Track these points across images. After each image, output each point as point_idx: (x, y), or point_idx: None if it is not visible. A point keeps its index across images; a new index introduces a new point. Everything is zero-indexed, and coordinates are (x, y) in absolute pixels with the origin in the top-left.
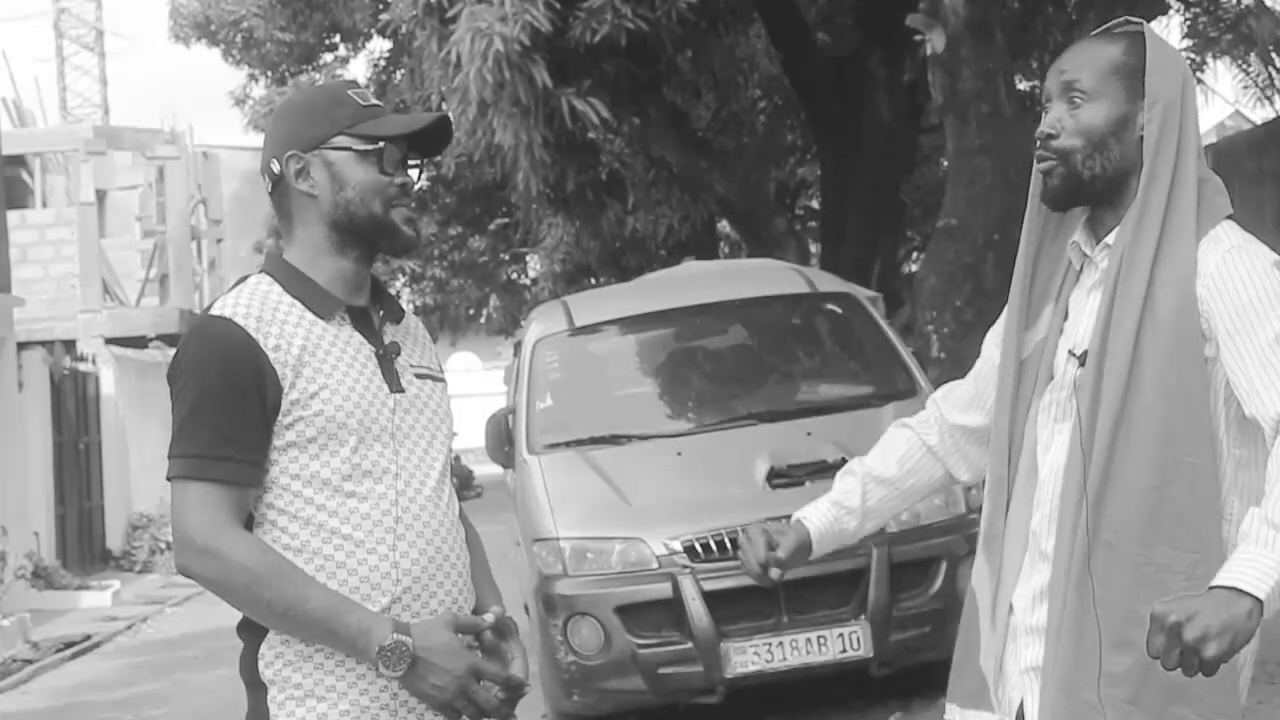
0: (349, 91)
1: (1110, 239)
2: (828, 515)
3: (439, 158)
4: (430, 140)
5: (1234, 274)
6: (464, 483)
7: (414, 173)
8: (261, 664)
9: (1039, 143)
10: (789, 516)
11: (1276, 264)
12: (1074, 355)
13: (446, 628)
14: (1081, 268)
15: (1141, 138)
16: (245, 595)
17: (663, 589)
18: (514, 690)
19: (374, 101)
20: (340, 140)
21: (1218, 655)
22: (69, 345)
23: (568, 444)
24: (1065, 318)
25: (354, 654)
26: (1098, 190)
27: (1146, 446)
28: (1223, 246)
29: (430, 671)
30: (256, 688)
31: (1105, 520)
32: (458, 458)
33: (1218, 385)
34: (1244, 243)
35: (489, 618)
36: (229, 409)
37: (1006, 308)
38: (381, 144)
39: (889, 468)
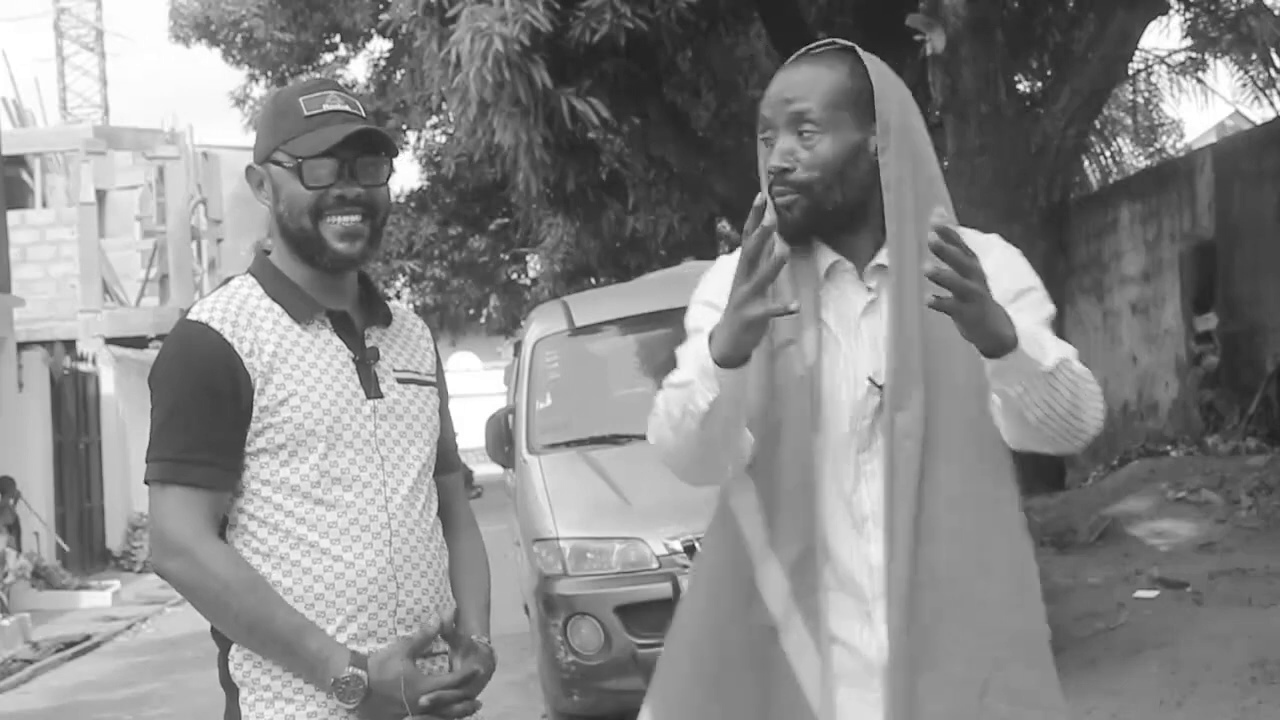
0: (300, 99)
1: (882, 258)
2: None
3: (439, 157)
4: (353, 143)
5: (1011, 266)
6: (464, 482)
7: (366, 177)
8: (231, 665)
9: (773, 176)
10: None
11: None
12: (875, 383)
13: (401, 657)
14: (825, 289)
15: (875, 162)
16: (214, 604)
17: (663, 589)
18: (469, 685)
19: (326, 108)
20: (276, 154)
21: (972, 290)
22: (69, 345)
23: (568, 444)
24: (821, 344)
25: (310, 679)
26: (839, 220)
27: (954, 486)
28: (987, 243)
29: (387, 703)
30: (230, 689)
31: (926, 557)
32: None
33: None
34: (1005, 245)
35: (431, 624)
36: (205, 413)
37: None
38: (299, 161)
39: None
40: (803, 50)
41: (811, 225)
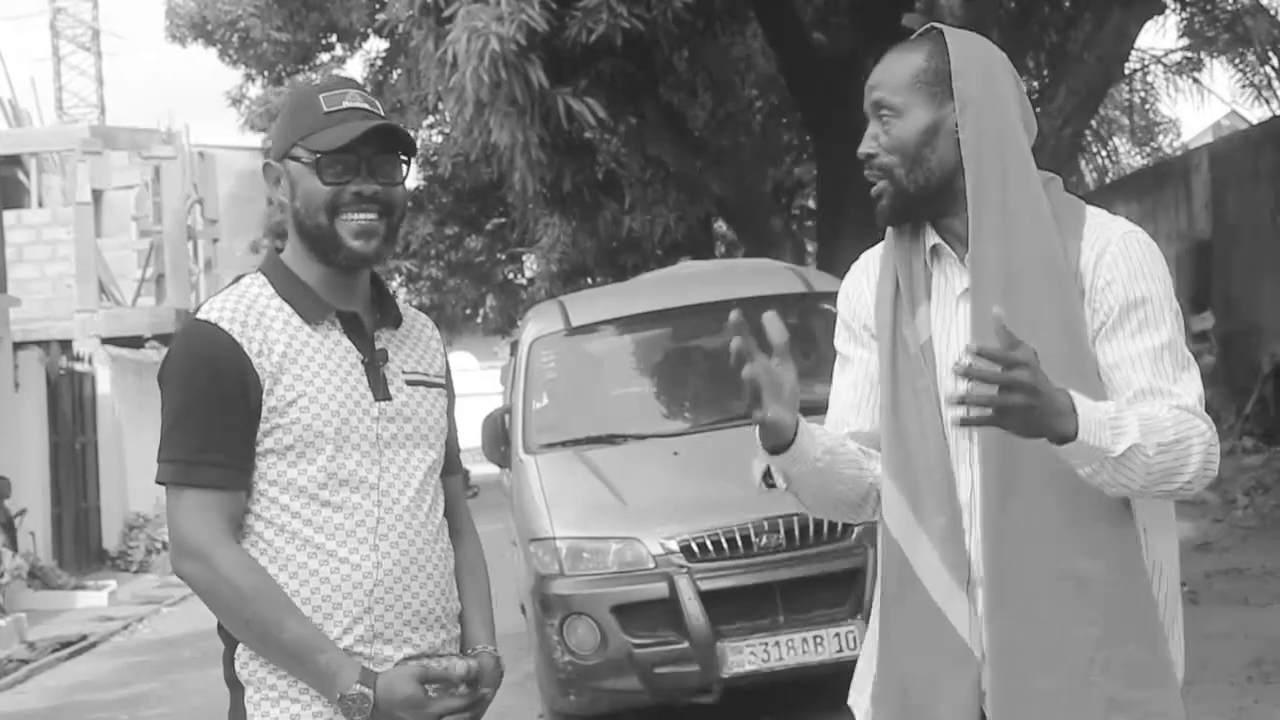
0: (320, 96)
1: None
2: (813, 436)
3: (435, 157)
4: (371, 139)
5: (1126, 264)
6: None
7: (382, 175)
8: (237, 664)
9: (865, 165)
10: (786, 516)
11: (1156, 258)
12: (958, 371)
13: (412, 681)
14: (931, 271)
15: (958, 140)
16: (227, 609)
17: (659, 589)
18: (477, 707)
19: (345, 105)
20: (295, 150)
21: (1010, 405)
22: (65, 345)
23: (564, 444)
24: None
25: (319, 691)
26: (929, 201)
27: (1044, 465)
28: (1111, 228)
29: None
30: (235, 687)
31: (1013, 542)
32: None
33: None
34: (1134, 228)
35: (460, 668)
36: (215, 413)
37: (877, 307)
38: (319, 157)
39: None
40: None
41: (903, 209)
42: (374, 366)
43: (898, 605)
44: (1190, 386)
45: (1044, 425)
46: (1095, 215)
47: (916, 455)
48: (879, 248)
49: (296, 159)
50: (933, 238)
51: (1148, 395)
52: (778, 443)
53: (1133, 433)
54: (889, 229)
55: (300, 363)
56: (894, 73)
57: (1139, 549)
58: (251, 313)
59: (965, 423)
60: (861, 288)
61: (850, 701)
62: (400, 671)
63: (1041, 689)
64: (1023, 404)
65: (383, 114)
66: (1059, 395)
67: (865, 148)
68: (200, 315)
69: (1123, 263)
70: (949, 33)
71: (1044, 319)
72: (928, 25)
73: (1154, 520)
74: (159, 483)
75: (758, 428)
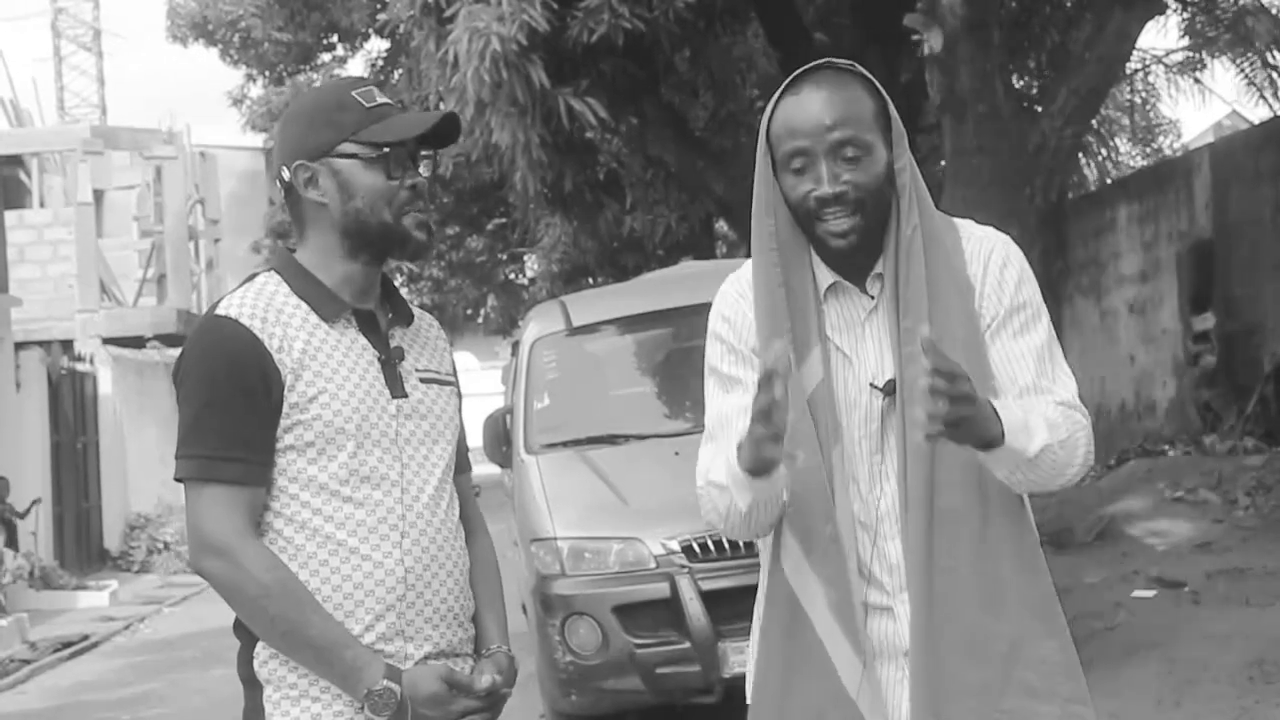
0: (353, 93)
1: (879, 268)
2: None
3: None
4: (437, 133)
5: (1011, 270)
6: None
7: (424, 168)
8: (257, 663)
9: (823, 203)
10: None
11: (1027, 266)
12: (877, 388)
13: (437, 680)
14: (825, 302)
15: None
16: (251, 606)
17: (660, 589)
18: (495, 706)
19: (380, 100)
20: (346, 147)
21: (961, 416)
22: (66, 345)
23: (565, 444)
24: (827, 356)
25: (343, 689)
26: (878, 232)
27: (962, 473)
28: (992, 239)
29: (416, 719)
30: (252, 686)
31: (941, 547)
32: None
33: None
34: (1005, 237)
35: (485, 681)
36: (236, 409)
37: (764, 352)
38: (387, 149)
39: None
40: (809, 71)
41: (862, 245)
42: (390, 364)
43: (784, 638)
44: (1068, 383)
45: (981, 432)
46: (966, 227)
47: (808, 493)
48: (747, 273)
49: (350, 155)
50: (828, 276)
51: (1031, 392)
52: (759, 471)
53: (1042, 433)
54: (779, 266)
55: (320, 359)
56: (856, 112)
57: (1038, 549)
58: (270, 309)
59: (929, 437)
60: (744, 312)
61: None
62: (425, 669)
63: (969, 681)
64: (969, 415)
65: None
66: (986, 404)
67: (834, 188)
68: (219, 311)
69: (1009, 269)
70: (859, 69)
71: (956, 329)
72: (825, 61)
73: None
74: (178, 479)
75: (751, 450)
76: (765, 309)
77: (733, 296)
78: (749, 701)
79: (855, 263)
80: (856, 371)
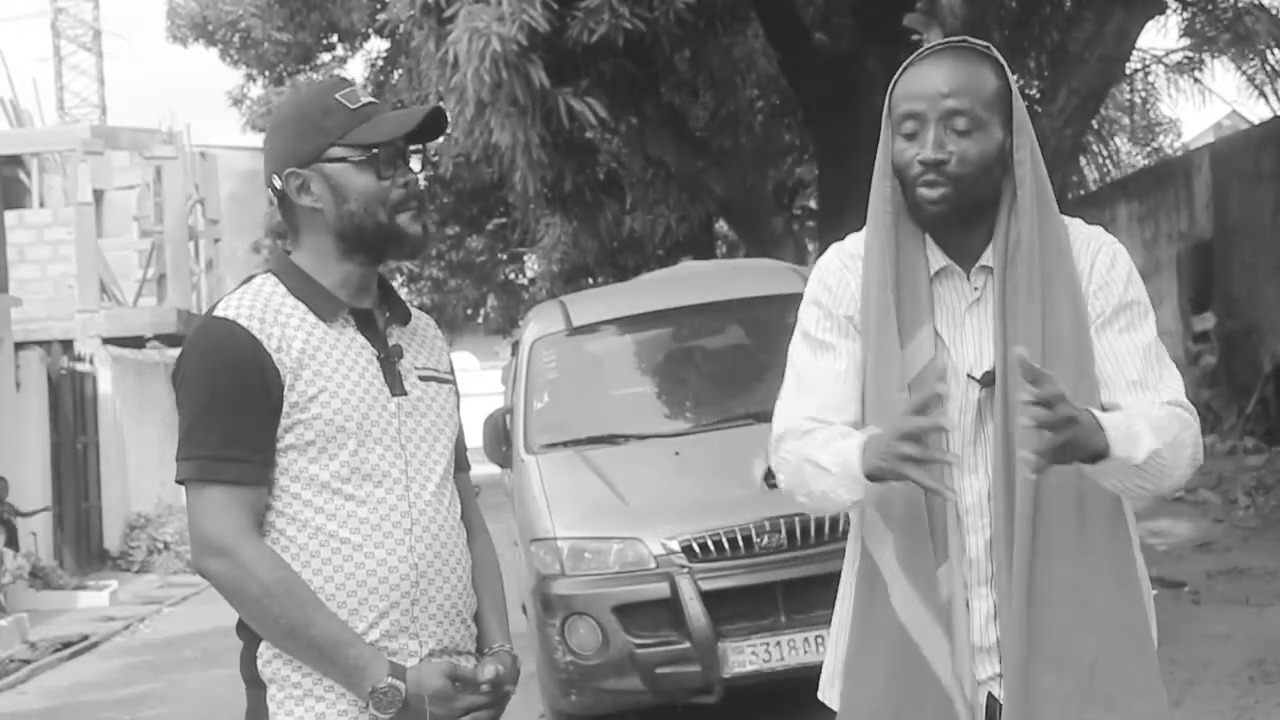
0: (336, 96)
1: (986, 259)
2: None
3: (436, 157)
4: (425, 129)
5: (1119, 269)
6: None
7: (415, 163)
8: (260, 662)
9: (925, 167)
10: (787, 516)
11: (1134, 267)
12: (974, 379)
13: (441, 676)
14: (936, 291)
15: (1007, 162)
16: (254, 607)
17: (660, 589)
18: (499, 704)
19: (364, 100)
20: (335, 151)
21: (1065, 440)
22: (66, 345)
23: (565, 444)
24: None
25: (347, 687)
26: (970, 215)
27: (1060, 477)
28: (1100, 237)
29: (420, 716)
30: (256, 685)
31: (1040, 543)
32: None
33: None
34: (1113, 237)
35: (488, 673)
36: (237, 410)
37: (863, 326)
38: (376, 150)
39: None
40: (939, 46)
41: (953, 219)
42: (389, 362)
43: (869, 634)
44: (1175, 381)
45: (1086, 448)
46: (1075, 225)
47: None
48: (852, 245)
49: (339, 160)
50: (939, 259)
51: (1138, 388)
52: (881, 477)
53: (1148, 438)
54: (898, 243)
55: (319, 359)
56: (976, 86)
57: (1134, 563)
58: (268, 310)
59: (1038, 470)
60: (847, 281)
61: (821, 695)
62: (429, 666)
63: (1048, 688)
64: (1070, 438)
65: None
66: (1086, 414)
67: (936, 153)
68: (217, 312)
69: (1117, 268)
70: (996, 57)
71: (1065, 331)
72: (961, 39)
73: (1136, 534)
74: (179, 481)
75: (882, 457)
76: (875, 279)
77: (836, 265)
78: (840, 691)
79: (961, 247)
80: (954, 361)
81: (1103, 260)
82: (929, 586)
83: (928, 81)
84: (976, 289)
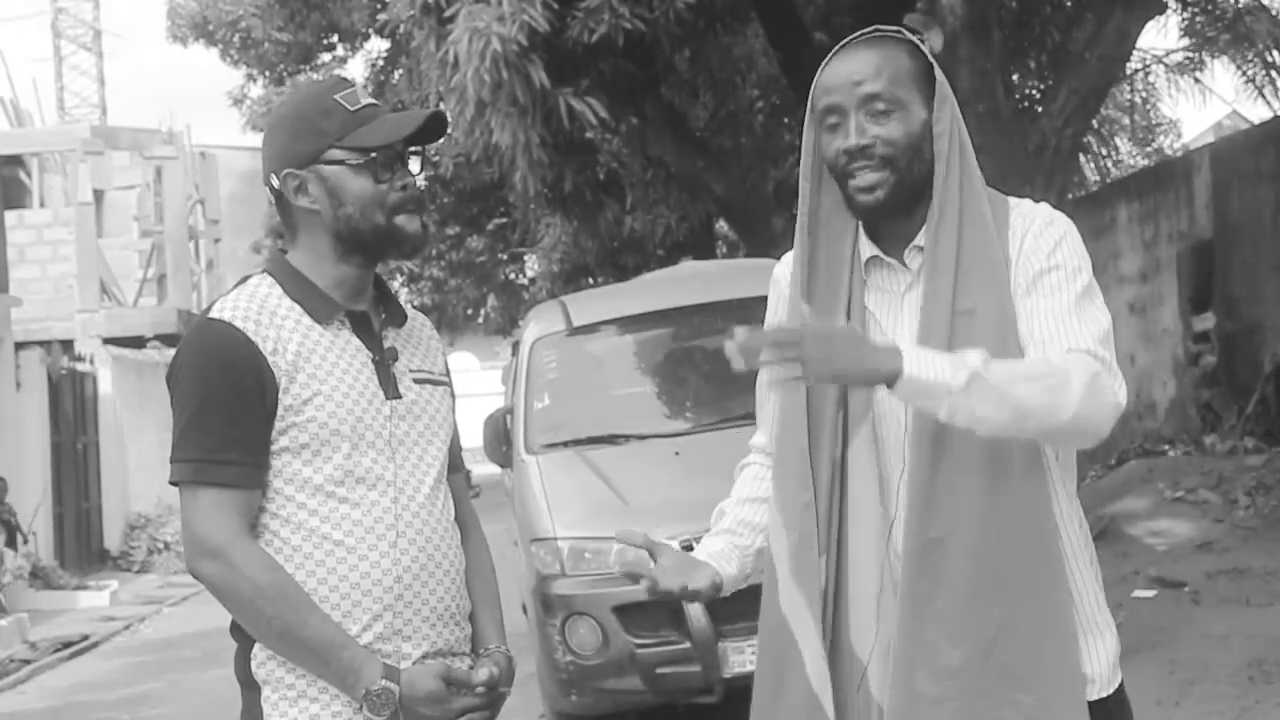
0: (336, 97)
1: (920, 240)
2: (734, 563)
3: (437, 157)
4: (425, 129)
5: (1048, 237)
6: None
7: (414, 165)
8: (254, 664)
9: (850, 156)
10: None
11: (1073, 234)
12: None
13: (435, 678)
14: (867, 274)
15: (931, 139)
16: (248, 609)
17: None
18: (494, 705)
19: (364, 102)
20: (333, 154)
21: (813, 375)
22: (67, 345)
23: (565, 444)
24: (864, 327)
25: (341, 689)
26: (915, 194)
27: (973, 447)
28: (1036, 215)
29: (414, 718)
30: (250, 687)
31: (936, 521)
32: None
33: None
34: (1057, 214)
35: (482, 675)
36: (231, 412)
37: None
38: (374, 153)
39: (756, 512)
40: (852, 38)
41: (895, 203)
42: (384, 365)
43: (764, 631)
44: (1087, 332)
45: (858, 367)
46: (1018, 205)
47: (821, 458)
48: (779, 266)
49: (337, 162)
50: (869, 249)
51: (1048, 343)
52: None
53: (973, 362)
54: (817, 236)
55: (314, 361)
56: (890, 68)
57: (1054, 538)
58: (264, 312)
59: (773, 381)
60: (774, 301)
61: None
62: (423, 668)
63: (948, 662)
64: (810, 354)
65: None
66: (867, 342)
67: (860, 139)
68: (213, 314)
69: (1045, 236)
70: (910, 37)
71: (977, 299)
72: (874, 29)
73: (1074, 531)
74: (173, 483)
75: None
76: (796, 279)
77: (782, 267)
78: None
79: (896, 234)
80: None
81: (1033, 231)
82: (810, 576)
83: (842, 72)
84: (910, 270)
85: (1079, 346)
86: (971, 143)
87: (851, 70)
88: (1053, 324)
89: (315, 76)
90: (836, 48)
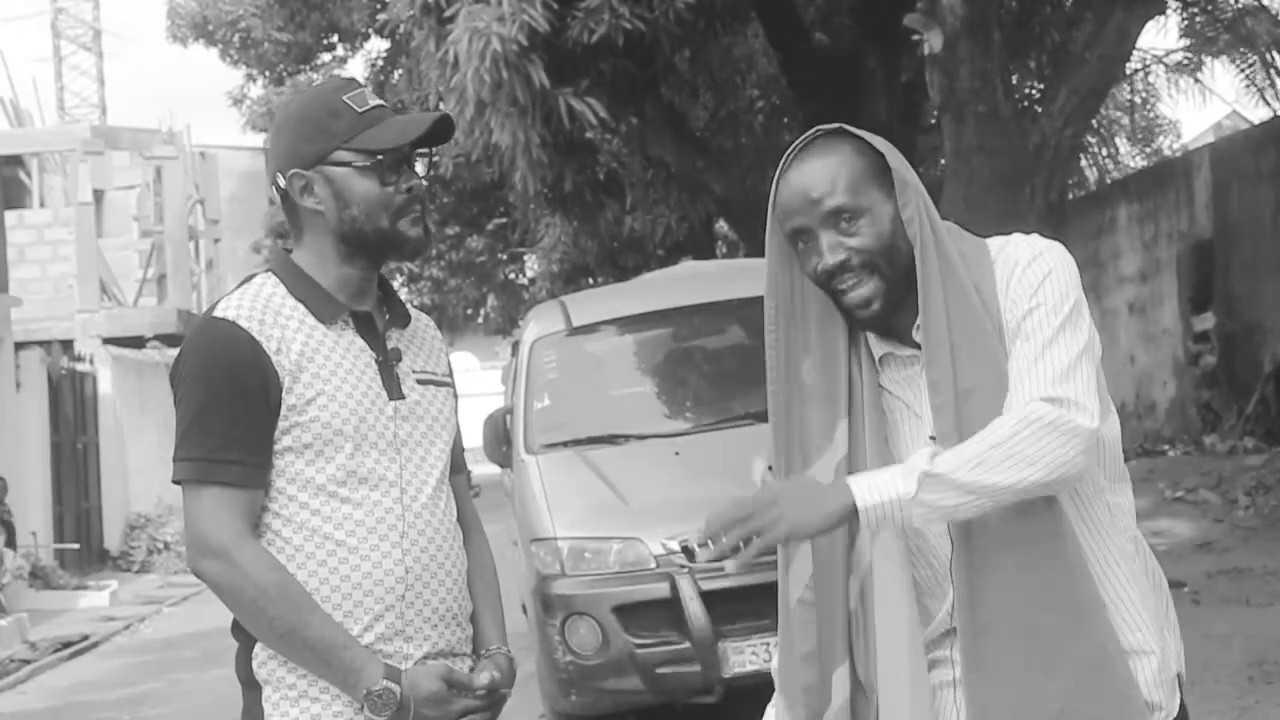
0: (344, 98)
1: (921, 319)
2: None
3: (437, 157)
4: (433, 132)
5: (1030, 276)
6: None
7: (420, 166)
8: (255, 664)
9: (831, 275)
10: None
11: (1060, 267)
12: (934, 439)
13: (436, 679)
14: (882, 369)
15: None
16: (250, 608)
17: (660, 589)
18: (495, 706)
19: (372, 103)
20: (340, 155)
21: (763, 542)
22: (67, 345)
23: (565, 444)
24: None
25: (342, 689)
26: (904, 287)
27: (1000, 522)
28: (1018, 255)
29: (416, 719)
30: (251, 687)
31: (981, 602)
32: None
33: None
34: (1042, 249)
35: (484, 678)
36: (235, 411)
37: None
38: (380, 156)
39: None
40: (793, 151)
41: (890, 305)
42: (388, 365)
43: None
44: (1047, 374)
45: (811, 517)
46: (1002, 248)
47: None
48: None
49: (344, 164)
50: (880, 348)
51: (1014, 392)
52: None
53: (920, 464)
54: (815, 349)
55: (318, 361)
56: (844, 177)
57: (1094, 595)
58: (268, 311)
59: (739, 568)
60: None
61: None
62: (424, 669)
63: None
64: (764, 525)
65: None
66: (816, 490)
67: (836, 257)
68: (217, 313)
69: (1025, 280)
70: (850, 130)
71: (984, 378)
72: (814, 131)
73: (1109, 554)
74: (175, 482)
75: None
76: (778, 404)
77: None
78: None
79: (901, 324)
80: (926, 426)
81: (1016, 275)
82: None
83: (796, 192)
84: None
85: (1035, 394)
86: (972, 145)
87: (808, 187)
88: (1021, 373)
89: (315, 76)
90: (785, 158)
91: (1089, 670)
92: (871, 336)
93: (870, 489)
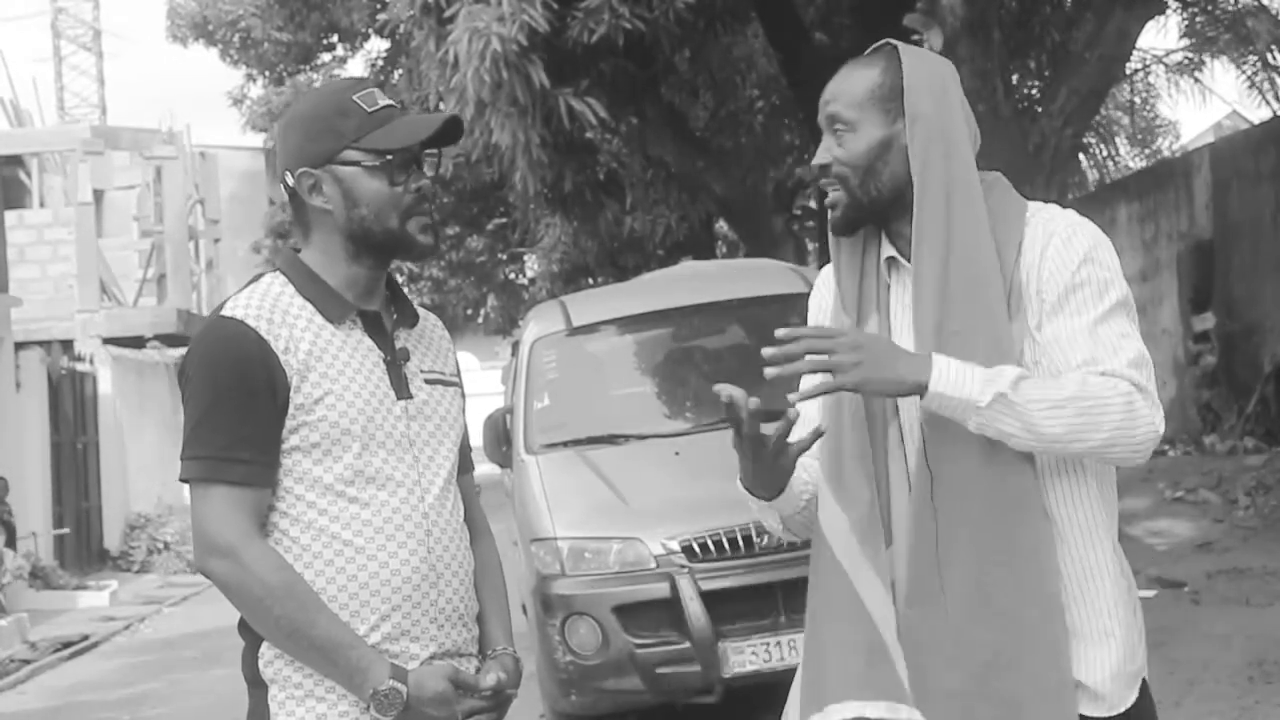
0: (354, 97)
1: (913, 252)
2: (799, 476)
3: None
4: (442, 133)
5: (1073, 251)
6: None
7: (429, 167)
8: (262, 663)
9: (818, 173)
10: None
11: (1101, 245)
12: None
13: (443, 679)
14: (890, 281)
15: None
16: (256, 607)
17: (660, 589)
18: (501, 707)
19: (382, 103)
20: (349, 155)
21: (834, 383)
22: (66, 345)
23: (565, 444)
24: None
25: (349, 689)
26: (879, 210)
27: (963, 455)
28: (1056, 226)
29: (422, 718)
30: (257, 686)
31: (939, 537)
32: None
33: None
34: (1081, 220)
35: (490, 679)
36: (243, 410)
37: (833, 320)
38: (390, 156)
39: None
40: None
41: (855, 218)
42: (395, 365)
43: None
44: (1123, 353)
45: (885, 376)
46: (1038, 213)
47: (849, 469)
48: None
49: (353, 163)
50: (888, 249)
51: (1085, 366)
52: (770, 494)
53: (1003, 381)
54: (839, 240)
55: (325, 360)
56: (849, 88)
57: (1051, 562)
58: (276, 310)
59: (801, 394)
60: (822, 296)
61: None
62: (431, 669)
63: (947, 687)
64: (849, 360)
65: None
66: (899, 353)
67: (820, 159)
68: (225, 312)
69: (1067, 254)
70: (903, 49)
71: (976, 327)
72: (883, 41)
73: (1082, 526)
74: (183, 480)
75: (751, 482)
76: (836, 287)
77: (821, 288)
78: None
79: (905, 238)
80: (903, 343)
81: (1055, 245)
82: (880, 565)
83: (824, 91)
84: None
85: (1113, 369)
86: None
87: (828, 89)
88: (1084, 344)
89: (315, 76)
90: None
91: (1024, 636)
92: (884, 239)
93: (948, 379)
